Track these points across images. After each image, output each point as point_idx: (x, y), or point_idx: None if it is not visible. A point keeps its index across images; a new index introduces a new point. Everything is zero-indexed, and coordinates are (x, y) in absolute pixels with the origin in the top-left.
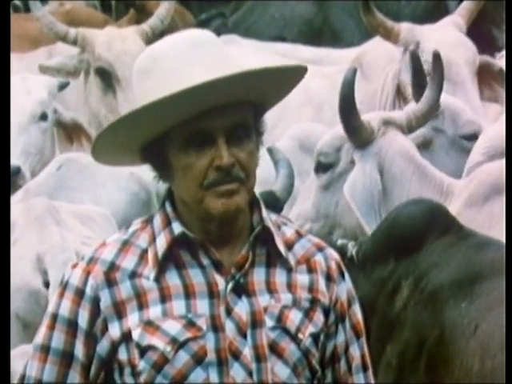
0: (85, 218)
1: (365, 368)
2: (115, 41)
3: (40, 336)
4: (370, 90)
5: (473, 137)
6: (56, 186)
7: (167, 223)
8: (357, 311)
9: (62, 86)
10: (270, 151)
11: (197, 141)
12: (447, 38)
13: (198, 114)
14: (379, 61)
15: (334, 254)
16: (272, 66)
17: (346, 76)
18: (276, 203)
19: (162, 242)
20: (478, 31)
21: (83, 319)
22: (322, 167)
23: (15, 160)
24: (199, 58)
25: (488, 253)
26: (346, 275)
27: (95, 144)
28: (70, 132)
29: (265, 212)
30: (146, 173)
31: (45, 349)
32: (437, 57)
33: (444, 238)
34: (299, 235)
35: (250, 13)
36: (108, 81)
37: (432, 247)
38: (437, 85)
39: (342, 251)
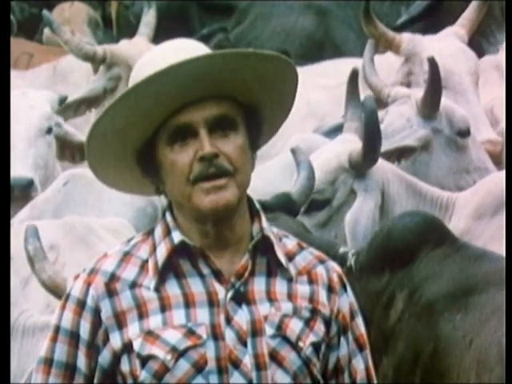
0: (113, 231)
1: (369, 381)
2: (144, 50)
3: (43, 349)
4: None
5: (466, 132)
6: (62, 202)
7: (167, 232)
8: (360, 324)
9: (62, 101)
10: (294, 152)
11: (180, 135)
12: (448, 47)
13: (179, 110)
14: (379, 72)
15: (335, 267)
16: (244, 50)
17: (368, 105)
18: (291, 206)
19: (162, 252)
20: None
21: (85, 330)
22: (316, 205)
23: (27, 172)
24: (182, 55)
25: (482, 265)
26: (349, 288)
27: (88, 148)
28: (74, 151)
29: (265, 222)
30: None
31: (48, 361)
32: (353, 75)
33: (438, 249)
34: (301, 247)
35: (252, 27)
36: None
37: (426, 259)
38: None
39: (342, 260)
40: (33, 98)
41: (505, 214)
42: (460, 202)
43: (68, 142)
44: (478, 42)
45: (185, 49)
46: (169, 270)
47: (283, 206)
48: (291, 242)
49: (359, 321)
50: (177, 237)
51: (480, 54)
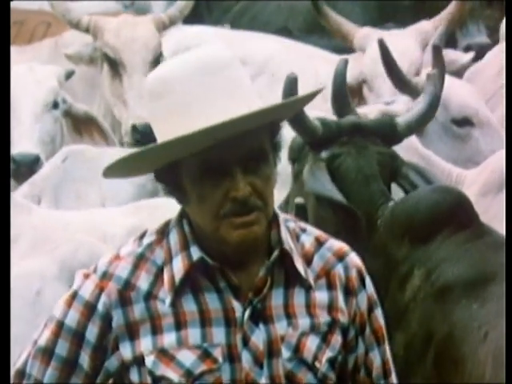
0: None
1: (385, 375)
2: (125, 27)
3: (43, 338)
4: None
5: (464, 122)
6: (62, 178)
7: (185, 246)
8: (378, 316)
9: (69, 75)
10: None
11: (212, 172)
12: (391, 45)
13: (213, 145)
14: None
15: (354, 261)
16: (291, 100)
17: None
18: (392, 136)
19: (179, 266)
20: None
21: (92, 334)
22: None
23: (33, 148)
24: (211, 87)
25: (503, 254)
26: (367, 281)
27: (107, 171)
28: (81, 125)
29: (283, 230)
30: None
31: (48, 352)
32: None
33: (462, 232)
34: (319, 243)
35: (255, 2)
36: (115, 67)
37: (448, 240)
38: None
39: (382, 214)
40: (40, 73)
41: (505, 212)
42: (468, 179)
43: (73, 115)
44: (452, 32)
45: (225, 96)
46: (185, 285)
47: (384, 134)
48: (309, 239)
49: (378, 313)
50: (195, 253)
51: (453, 42)
